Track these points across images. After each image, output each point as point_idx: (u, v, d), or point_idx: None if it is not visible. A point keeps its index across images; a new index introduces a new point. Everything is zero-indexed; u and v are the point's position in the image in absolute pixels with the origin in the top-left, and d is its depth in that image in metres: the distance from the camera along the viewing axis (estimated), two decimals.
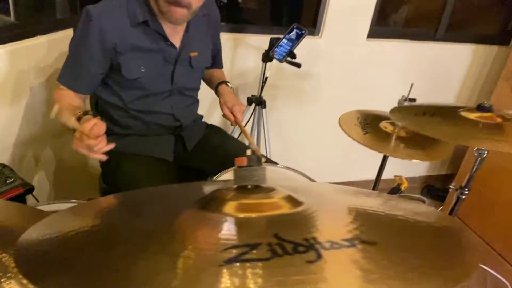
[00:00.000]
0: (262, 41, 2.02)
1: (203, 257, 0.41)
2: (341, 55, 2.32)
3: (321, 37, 2.25)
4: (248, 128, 2.18)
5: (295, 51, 1.85)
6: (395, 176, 1.40)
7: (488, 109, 1.15)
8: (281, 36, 1.83)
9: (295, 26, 1.81)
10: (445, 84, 2.68)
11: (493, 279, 2.33)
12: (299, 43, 1.80)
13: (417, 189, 2.99)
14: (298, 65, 1.92)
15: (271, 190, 0.54)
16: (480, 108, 1.16)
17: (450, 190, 1.51)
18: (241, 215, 0.50)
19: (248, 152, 0.55)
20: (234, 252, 0.39)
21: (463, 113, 1.18)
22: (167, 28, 1.37)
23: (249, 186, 0.53)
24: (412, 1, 2.99)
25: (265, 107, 2.00)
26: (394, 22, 3.06)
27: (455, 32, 2.54)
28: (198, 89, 1.61)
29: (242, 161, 0.53)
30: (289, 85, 2.33)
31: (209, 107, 2.18)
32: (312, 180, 1.45)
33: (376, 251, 0.41)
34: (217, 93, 1.61)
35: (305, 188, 0.71)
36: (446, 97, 2.72)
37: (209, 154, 1.59)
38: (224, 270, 0.37)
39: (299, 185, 0.88)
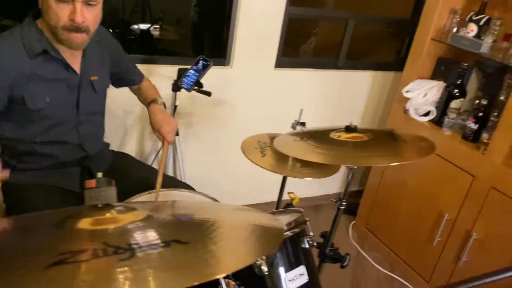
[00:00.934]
0: (173, 71, 2.13)
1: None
2: (251, 83, 2.49)
3: (231, 67, 2.40)
4: (159, 154, 2.27)
5: (204, 80, 1.97)
6: (288, 193, 1.53)
7: (354, 130, 1.33)
8: (189, 67, 1.95)
9: (201, 58, 1.94)
10: (350, 108, 2.94)
11: (400, 285, 2.54)
12: (205, 74, 1.93)
13: (333, 205, 3.17)
14: (208, 94, 2.05)
15: (122, 207, 0.63)
16: (348, 129, 1.33)
17: (336, 203, 1.66)
18: (92, 228, 0.59)
19: (99, 174, 0.64)
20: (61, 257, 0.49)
21: (335, 135, 1.34)
22: (66, 55, 1.41)
23: (99, 205, 0.62)
24: (319, 33, 3.26)
25: (177, 134, 2.09)
26: (305, 51, 3.31)
27: (354, 61, 2.81)
28: (103, 113, 1.67)
29: (91, 183, 0.61)
30: (204, 113, 2.45)
31: (123, 135, 2.24)
32: (216, 200, 1.54)
33: (185, 248, 0.52)
34: (148, 112, 1.70)
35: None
36: (352, 120, 2.96)
37: (116, 181, 1.64)
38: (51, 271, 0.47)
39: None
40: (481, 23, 2.25)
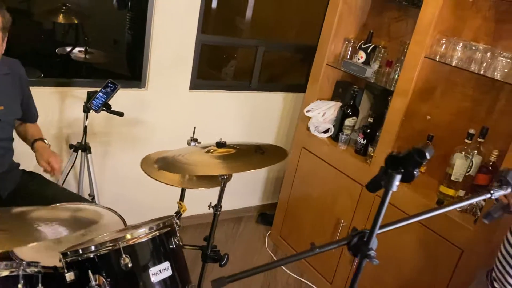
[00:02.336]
0: (85, 94, 2.27)
1: None
2: (166, 105, 2.67)
3: (147, 89, 2.57)
4: (76, 172, 2.39)
5: (121, 101, 2.14)
6: (177, 202, 1.71)
7: (223, 145, 1.55)
8: (98, 90, 2.11)
9: (109, 81, 2.10)
10: (265, 126, 3.18)
11: (306, 286, 2.76)
12: (113, 96, 2.09)
13: (253, 217, 3.39)
14: (120, 114, 2.20)
15: None
16: (218, 145, 1.55)
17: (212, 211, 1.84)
18: None
19: None
20: None
21: (211, 150, 1.56)
22: None
23: None
24: (239, 57, 3.51)
25: (90, 152, 2.22)
26: (226, 73, 3.54)
27: (267, 83, 3.06)
28: (11, 139, 1.78)
29: None
30: (122, 132, 2.60)
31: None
32: (121, 218, 1.68)
33: None
34: (33, 148, 1.79)
35: None
36: (267, 137, 3.21)
37: (25, 199, 1.75)
38: None
39: None
40: (369, 50, 2.57)
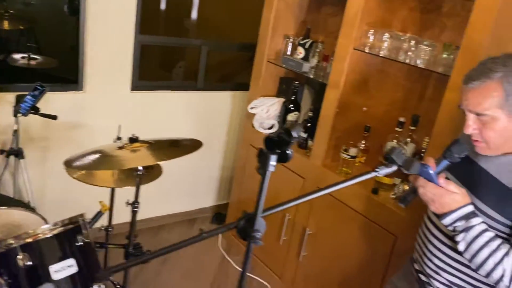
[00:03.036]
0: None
1: None
2: (106, 107, 2.64)
3: (84, 92, 2.55)
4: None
5: (57, 105, 2.12)
6: (100, 202, 1.69)
7: (136, 140, 1.55)
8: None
9: (37, 84, 2.07)
10: (215, 124, 3.17)
11: (258, 283, 2.77)
12: (40, 98, 2.06)
13: (209, 218, 3.38)
14: (53, 117, 2.17)
15: None
16: (131, 140, 1.55)
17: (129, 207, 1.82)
18: None
19: None
20: None
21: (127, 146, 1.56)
22: None
23: None
24: (188, 58, 3.51)
25: (22, 157, 2.18)
26: (176, 74, 3.53)
27: (213, 82, 3.07)
28: None
29: None
30: (61, 137, 2.56)
31: None
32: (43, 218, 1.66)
33: None
34: None
35: None
36: (218, 136, 3.21)
37: None
38: None
39: None
40: (307, 46, 2.60)
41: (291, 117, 2.67)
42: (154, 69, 3.55)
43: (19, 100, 2.06)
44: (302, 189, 2.47)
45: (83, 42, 2.44)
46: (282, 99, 2.75)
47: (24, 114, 2.04)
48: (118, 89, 2.66)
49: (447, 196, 1.25)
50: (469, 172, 1.39)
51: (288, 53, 2.72)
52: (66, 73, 2.63)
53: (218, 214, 3.37)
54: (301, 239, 2.48)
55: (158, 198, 3.16)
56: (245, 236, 1.03)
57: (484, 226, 1.24)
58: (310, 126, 2.51)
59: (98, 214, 1.62)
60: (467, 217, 1.24)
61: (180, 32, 3.38)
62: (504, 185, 1.26)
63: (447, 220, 1.26)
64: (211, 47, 2.94)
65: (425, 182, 1.27)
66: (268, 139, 0.97)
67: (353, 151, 2.28)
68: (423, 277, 1.48)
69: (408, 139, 2.16)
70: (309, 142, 2.50)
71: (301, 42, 2.62)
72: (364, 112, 2.43)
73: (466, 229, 1.24)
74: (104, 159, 1.45)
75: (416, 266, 1.53)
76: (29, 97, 2.05)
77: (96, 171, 1.85)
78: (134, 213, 1.78)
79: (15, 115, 2.09)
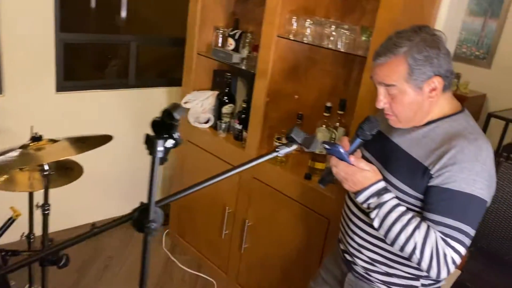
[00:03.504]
0: None
1: None
2: (30, 110, 2.51)
3: (4, 96, 2.41)
4: None
5: None
6: (11, 208, 1.60)
7: (39, 139, 1.49)
8: None
9: None
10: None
11: (204, 281, 2.72)
12: None
13: None
14: None
15: None
16: (34, 139, 1.49)
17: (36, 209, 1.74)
18: None
19: None
20: None
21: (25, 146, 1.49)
22: None
23: None
24: (121, 55, 3.40)
25: None
26: (110, 73, 3.42)
27: (146, 79, 2.99)
28: None
29: None
30: None
31: None
32: None
33: None
34: None
35: None
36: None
37: None
38: None
39: None
40: (236, 37, 2.58)
41: (226, 109, 2.64)
42: (87, 69, 3.42)
43: None
44: (240, 180, 2.45)
45: None
46: (217, 92, 2.72)
47: None
48: (42, 91, 2.54)
49: (359, 174, 1.26)
50: (383, 148, 1.41)
51: (220, 45, 2.70)
52: None
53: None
54: (242, 232, 2.46)
55: (97, 203, 3.06)
56: (140, 228, 0.98)
57: (395, 201, 1.26)
58: (245, 117, 2.50)
59: (9, 221, 1.52)
60: (379, 193, 1.26)
61: (112, 30, 3.27)
62: (414, 159, 1.29)
63: (360, 198, 1.28)
64: (140, 42, 2.87)
65: (337, 161, 1.28)
66: (155, 124, 0.93)
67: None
68: (348, 257, 1.50)
69: (337, 124, 2.19)
70: (244, 134, 2.49)
71: (231, 33, 2.59)
72: (296, 100, 2.44)
73: (379, 205, 1.25)
74: (3, 161, 1.36)
75: (341, 246, 1.55)
76: None
77: (13, 176, 1.74)
78: (44, 216, 1.69)
79: None
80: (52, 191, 2.72)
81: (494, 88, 5.70)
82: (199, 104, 2.70)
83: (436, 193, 1.22)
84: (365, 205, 1.29)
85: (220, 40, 2.70)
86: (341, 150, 1.26)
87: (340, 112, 2.16)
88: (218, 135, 2.62)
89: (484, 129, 4.96)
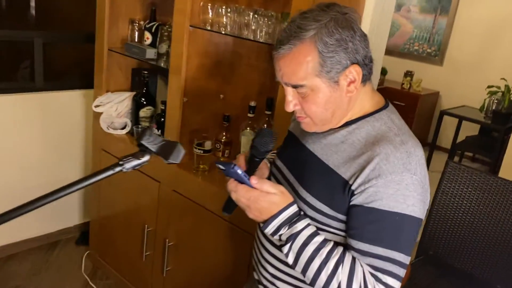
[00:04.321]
0: None
1: None
2: None
3: None
4: None
5: None
6: None
7: None
8: None
9: None
10: (69, 128, 2.72)
11: None
12: None
13: (74, 238, 2.92)
14: None
15: None
16: None
17: None
18: None
19: None
20: None
21: None
22: None
23: None
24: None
25: None
26: (22, 77, 3.02)
27: (55, 81, 2.62)
28: None
29: None
30: None
31: None
32: None
33: None
34: None
35: None
36: (74, 141, 2.77)
37: None
38: None
39: None
40: (153, 30, 2.26)
41: (144, 112, 2.31)
42: None
43: None
44: (160, 193, 2.13)
45: None
46: (133, 93, 2.39)
47: None
48: None
49: (263, 199, 0.97)
50: (297, 157, 1.15)
51: (136, 40, 2.37)
52: None
53: (86, 233, 2.92)
54: (163, 252, 2.14)
55: (8, 224, 2.65)
56: None
57: (311, 230, 0.98)
58: (164, 121, 2.18)
59: None
60: (290, 220, 0.99)
61: (21, 27, 2.86)
62: (332, 170, 1.03)
63: (269, 229, 1.00)
64: (46, 39, 2.50)
65: (236, 185, 0.99)
66: None
67: (207, 144, 1.99)
68: None
69: (265, 125, 1.92)
70: None
71: (147, 26, 2.28)
72: (222, 100, 2.15)
73: (292, 237, 0.98)
74: None
75: (255, 276, 1.27)
76: None
77: None
78: None
79: None
80: None
81: (447, 85, 5.64)
82: (114, 108, 2.36)
83: (360, 215, 0.96)
84: (276, 237, 1.01)
85: (136, 34, 2.38)
86: (239, 171, 0.97)
87: (267, 112, 1.89)
88: (135, 143, 2.29)
89: (438, 126, 4.84)
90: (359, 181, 0.95)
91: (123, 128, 2.37)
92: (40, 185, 2.66)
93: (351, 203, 0.97)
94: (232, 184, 0.99)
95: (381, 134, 0.99)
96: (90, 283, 2.52)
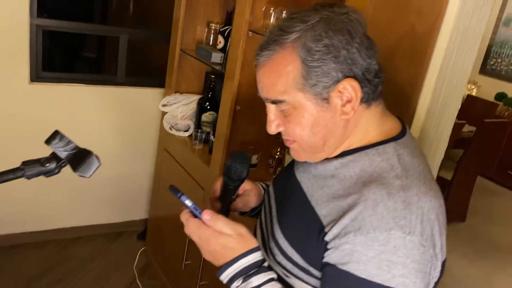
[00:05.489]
0: None
1: None
2: (1, 99, 2.33)
3: None
4: None
5: None
6: None
7: None
8: None
9: None
10: (144, 124, 2.79)
11: None
12: None
13: (137, 232, 2.97)
14: None
15: None
16: None
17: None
18: None
19: None
20: None
21: None
22: None
23: None
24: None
25: None
26: (106, 70, 3.17)
27: (138, 77, 2.70)
28: None
29: None
30: None
31: None
32: None
33: None
34: None
35: None
36: (147, 137, 2.82)
37: None
38: None
39: None
40: (226, 34, 2.19)
41: (206, 117, 2.25)
42: (71, 60, 3.22)
43: None
44: (204, 202, 2.03)
45: None
46: (199, 97, 2.35)
47: None
48: (14, 79, 2.34)
49: (215, 241, 0.79)
50: (285, 188, 0.95)
51: (211, 43, 2.33)
52: None
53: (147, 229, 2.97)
54: (199, 265, 2.03)
55: (77, 207, 2.81)
56: None
57: None
58: None
59: None
60: (247, 272, 0.78)
61: (102, 21, 3.03)
62: (311, 206, 0.81)
63: (223, 277, 0.80)
64: (132, 36, 2.58)
65: (188, 219, 0.82)
66: None
67: (254, 158, 1.85)
68: None
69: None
70: None
71: (221, 29, 2.22)
72: None
73: None
74: None
75: None
76: None
77: None
78: None
79: None
80: (28, 192, 2.53)
81: None
82: (180, 109, 2.34)
83: (332, 278, 0.74)
84: (234, 285, 0.82)
85: (212, 37, 2.33)
86: (187, 202, 0.81)
87: None
88: (193, 147, 2.23)
89: None
90: (334, 231, 0.73)
91: (186, 131, 2.34)
92: (109, 178, 2.76)
93: (324, 260, 0.75)
94: (183, 217, 0.82)
95: (377, 173, 0.75)
96: (137, 280, 2.53)
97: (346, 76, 0.74)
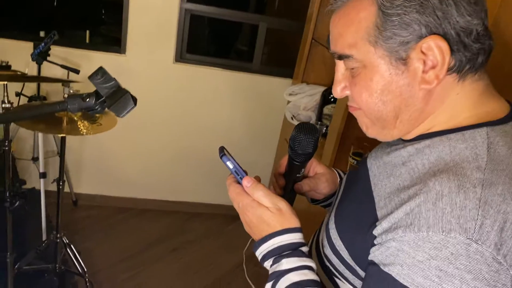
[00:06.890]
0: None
1: None
2: (147, 74, 2.57)
3: (126, 56, 2.53)
4: None
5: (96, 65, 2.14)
6: None
7: None
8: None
9: (52, 33, 2.12)
10: (271, 112, 2.79)
11: None
12: (49, 45, 2.10)
13: None
14: (75, 71, 2.22)
15: None
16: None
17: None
18: None
19: None
20: None
21: None
22: None
23: None
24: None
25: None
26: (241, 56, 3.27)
27: (272, 66, 2.71)
28: None
29: None
30: None
31: None
32: None
33: None
34: None
35: None
36: (272, 125, 2.81)
37: None
38: None
39: None
40: None
41: (327, 109, 2.14)
42: (215, 45, 3.34)
43: (35, 46, 2.14)
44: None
45: (127, 2, 2.42)
46: (324, 88, 2.23)
47: (33, 59, 2.11)
48: (161, 58, 2.57)
49: (252, 211, 0.71)
50: (356, 175, 0.82)
51: None
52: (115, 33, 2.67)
53: None
54: None
55: (204, 185, 2.96)
56: None
57: (299, 277, 0.65)
58: None
59: None
60: (279, 253, 0.68)
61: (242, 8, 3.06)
62: (371, 196, 0.68)
63: (257, 254, 0.72)
64: (271, 24, 2.60)
65: (230, 182, 0.76)
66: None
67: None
68: None
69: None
70: None
71: None
72: None
73: (274, 276, 0.67)
74: None
75: None
76: (43, 44, 2.11)
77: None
78: (59, 191, 1.67)
79: (33, 60, 2.18)
80: (164, 163, 2.77)
81: None
82: (304, 100, 2.27)
83: (371, 277, 0.60)
84: (265, 265, 0.72)
85: None
86: (228, 163, 0.74)
87: None
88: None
89: None
90: (384, 225, 0.59)
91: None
92: (241, 161, 2.83)
93: (369, 257, 0.61)
94: (228, 181, 0.75)
95: (455, 162, 0.57)
96: (243, 264, 2.54)
97: (432, 33, 0.57)
